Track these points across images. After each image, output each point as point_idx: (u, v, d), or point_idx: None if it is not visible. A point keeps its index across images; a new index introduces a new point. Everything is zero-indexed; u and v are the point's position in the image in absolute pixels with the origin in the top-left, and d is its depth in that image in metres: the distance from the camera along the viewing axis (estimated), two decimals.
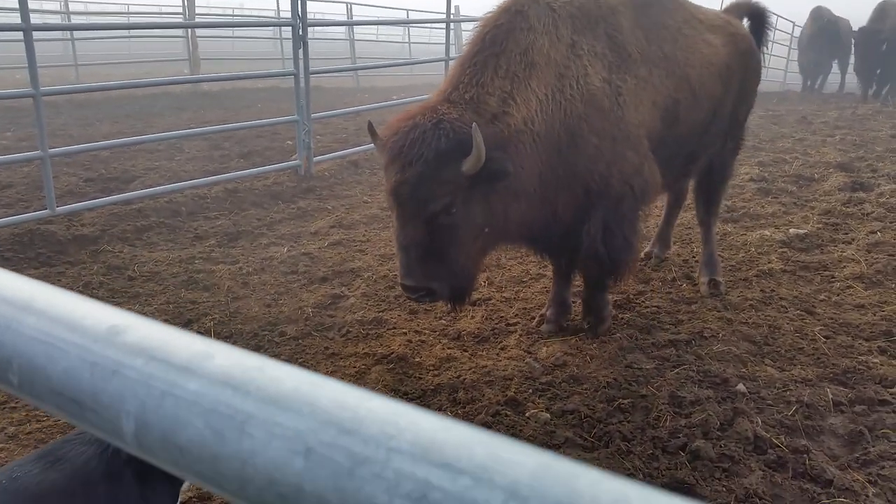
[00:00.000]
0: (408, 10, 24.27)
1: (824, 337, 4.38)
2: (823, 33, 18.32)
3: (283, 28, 18.60)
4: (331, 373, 4.01)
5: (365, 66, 13.64)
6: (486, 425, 3.46)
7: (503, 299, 5.06)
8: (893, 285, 5.18)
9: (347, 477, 0.42)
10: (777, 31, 18.27)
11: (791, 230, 6.38)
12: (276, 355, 4.21)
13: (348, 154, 9.29)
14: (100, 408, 0.50)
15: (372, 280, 5.37)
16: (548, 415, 3.58)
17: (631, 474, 3.12)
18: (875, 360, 4.07)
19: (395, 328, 4.59)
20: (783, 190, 7.86)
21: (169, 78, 10.67)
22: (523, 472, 0.40)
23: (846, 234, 6.36)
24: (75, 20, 20.71)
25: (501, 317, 4.77)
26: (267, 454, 0.45)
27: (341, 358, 4.20)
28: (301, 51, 7.99)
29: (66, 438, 1.95)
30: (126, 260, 5.67)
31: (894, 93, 17.02)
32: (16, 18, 6.21)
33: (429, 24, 24.76)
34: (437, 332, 4.55)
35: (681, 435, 3.40)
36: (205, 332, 4.33)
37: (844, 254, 5.79)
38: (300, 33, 7.91)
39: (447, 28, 10.70)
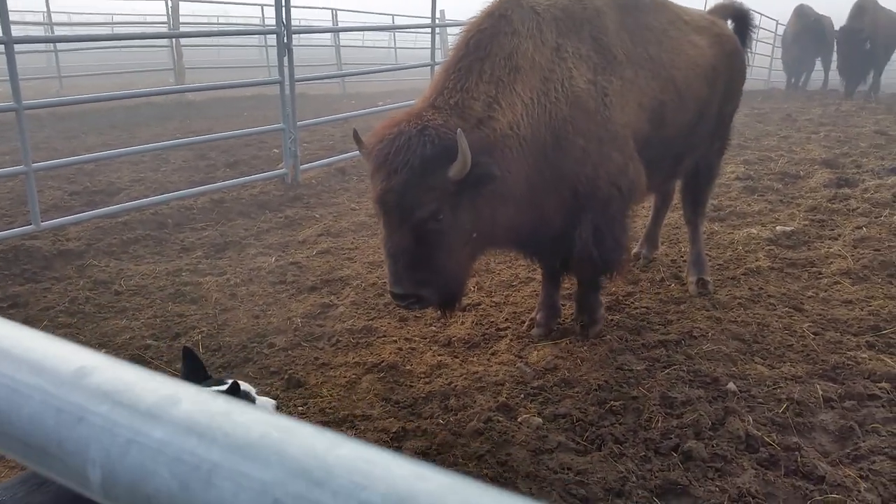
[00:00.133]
0: (393, 16, 24.28)
1: (813, 333, 4.40)
2: (807, 31, 18.47)
3: (268, 36, 18.55)
4: (321, 383, 3.99)
5: (350, 73, 13.61)
6: (479, 432, 3.46)
7: (493, 304, 5.05)
8: (880, 280, 5.21)
9: None
10: (761, 30, 18.40)
11: (778, 227, 6.41)
12: (265, 367, 4.19)
13: (335, 161, 9.26)
14: (65, 456, 0.49)
15: (361, 288, 5.35)
16: (540, 419, 3.57)
17: (624, 477, 3.12)
18: (863, 356, 4.10)
19: (385, 336, 4.57)
20: (769, 188, 7.90)
21: (153, 89, 10.62)
22: None
23: (832, 230, 6.39)
24: (58, 31, 20.53)
25: (491, 322, 4.76)
26: None
27: (332, 368, 4.18)
28: (286, 58, 7.97)
29: None
30: (112, 274, 5.63)
31: (877, 89, 17.17)
32: None
33: (414, 29, 24.77)
34: (428, 339, 4.54)
35: (673, 436, 3.40)
36: (193, 346, 4.29)
37: (831, 250, 5.82)
38: (285, 41, 7.89)
39: (432, 33, 10.70)
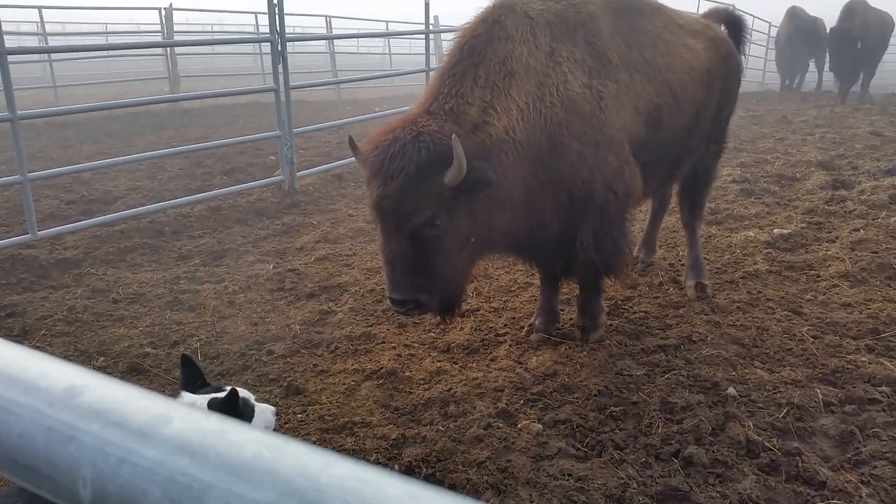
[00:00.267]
0: (387, 22, 24.34)
1: (812, 337, 4.39)
2: (800, 32, 18.54)
3: (262, 44, 18.57)
4: (320, 390, 3.98)
5: (345, 80, 13.62)
6: (479, 438, 3.44)
7: (492, 309, 5.04)
8: (878, 283, 5.21)
9: None
10: (754, 32, 18.47)
11: (775, 230, 6.42)
12: (264, 374, 4.17)
13: (332, 168, 9.26)
14: (56, 475, 0.48)
15: (359, 294, 5.33)
16: (540, 425, 3.56)
17: (625, 483, 3.10)
18: (863, 359, 4.09)
19: (384, 343, 4.56)
20: (766, 190, 7.91)
21: (148, 98, 10.59)
22: None
23: (830, 232, 6.40)
24: (52, 41, 20.55)
25: (490, 327, 4.75)
26: None
27: (330, 375, 4.17)
28: (281, 66, 7.98)
29: None
30: (110, 282, 5.61)
31: (865, 87, 17.20)
32: None
33: (408, 36, 24.81)
34: (427, 346, 4.52)
35: (673, 441, 3.39)
36: (191, 354, 4.27)
37: (829, 252, 5.82)
38: (279, 49, 7.90)
39: (427, 39, 10.72)
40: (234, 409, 2.29)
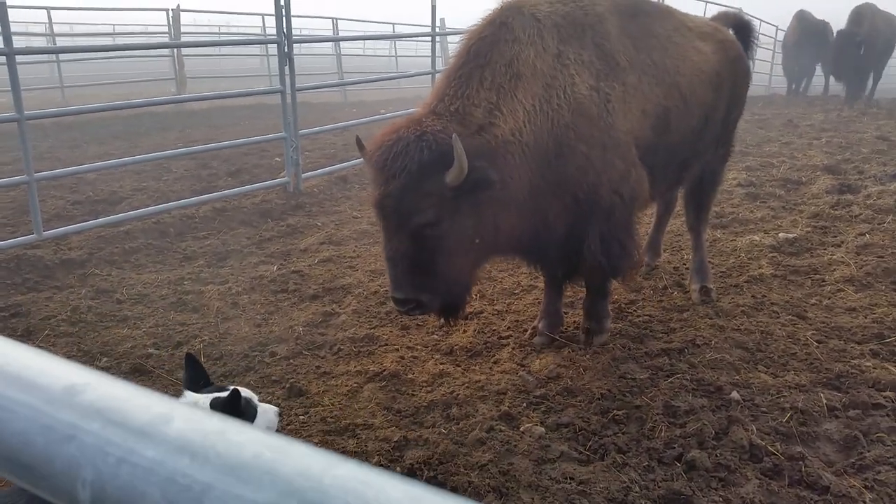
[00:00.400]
0: (394, 24, 24.37)
1: (816, 341, 4.37)
2: (808, 36, 18.47)
3: (269, 45, 18.62)
4: (323, 392, 3.98)
5: (351, 82, 13.65)
6: (481, 441, 3.44)
7: (495, 312, 5.04)
8: (883, 287, 5.19)
9: None
10: (761, 35, 18.40)
11: (780, 234, 6.40)
12: (266, 376, 4.17)
13: (337, 170, 9.27)
14: (54, 474, 0.48)
15: (363, 296, 5.34)
16: (542, 429, 3.55)
17: (627, 487, 3.09)
18: (868, 364, 4.07)
19: (387, 345, 4.55)
20: (771, 194, 7.89)
21: (155, 99, 10.64)
22: None
23: (835, 236, 6.37)
24: (60, 41, 20.62)
25: (494, 330, 4.74)
26: None
27: (333, 377, 4.17)
28: (287, 67, 7.99)
29: None
30: (114, 283, 5.62)
31: (871, 91, 17.13)
32: None
33: (415, 38, 24.83)
34: (430, 348, 4.52)
35: (676, 445, 3.38)
36: (195, 354, 4.28)
37: (834, 257, 5.80)
38: (286, 50, 7.91)
39: (433, 41, 10.72)
40: (236, 408, 2.29)
